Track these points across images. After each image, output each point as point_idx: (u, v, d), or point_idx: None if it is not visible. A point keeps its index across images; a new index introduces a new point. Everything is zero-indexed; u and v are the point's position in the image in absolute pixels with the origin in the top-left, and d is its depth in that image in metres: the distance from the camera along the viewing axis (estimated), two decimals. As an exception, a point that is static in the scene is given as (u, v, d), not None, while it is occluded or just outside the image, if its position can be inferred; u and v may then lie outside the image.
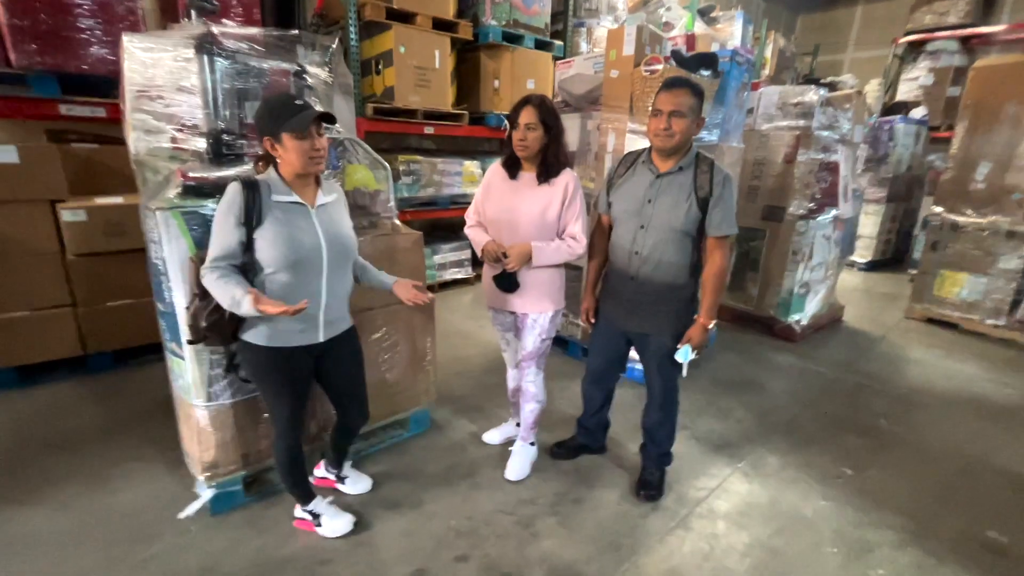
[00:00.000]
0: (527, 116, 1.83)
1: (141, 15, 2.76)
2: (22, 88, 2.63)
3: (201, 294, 1.52)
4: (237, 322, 1.54)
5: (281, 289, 1.48)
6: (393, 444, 2.38)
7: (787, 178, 3.72)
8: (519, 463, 2.19)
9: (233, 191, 1.43)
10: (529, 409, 2.16)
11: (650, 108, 1.76)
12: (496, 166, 2.03)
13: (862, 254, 6.17)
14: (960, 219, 4.14)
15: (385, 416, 2.33)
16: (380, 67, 3.90)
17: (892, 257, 6.47)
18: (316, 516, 1.83)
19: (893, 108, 6.67)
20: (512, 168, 1.97)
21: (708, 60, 2.75)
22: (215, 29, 1.74)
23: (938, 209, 4.26)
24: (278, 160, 1.47)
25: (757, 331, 4.00)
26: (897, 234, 6.43)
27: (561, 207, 1.91)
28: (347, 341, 1.73)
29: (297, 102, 1.43)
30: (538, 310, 2.01)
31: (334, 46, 2.07)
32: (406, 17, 3.87)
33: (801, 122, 3.61)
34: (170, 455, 2.18)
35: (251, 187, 1.43)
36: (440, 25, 4.07)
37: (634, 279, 1.85)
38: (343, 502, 1.97)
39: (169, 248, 1.65)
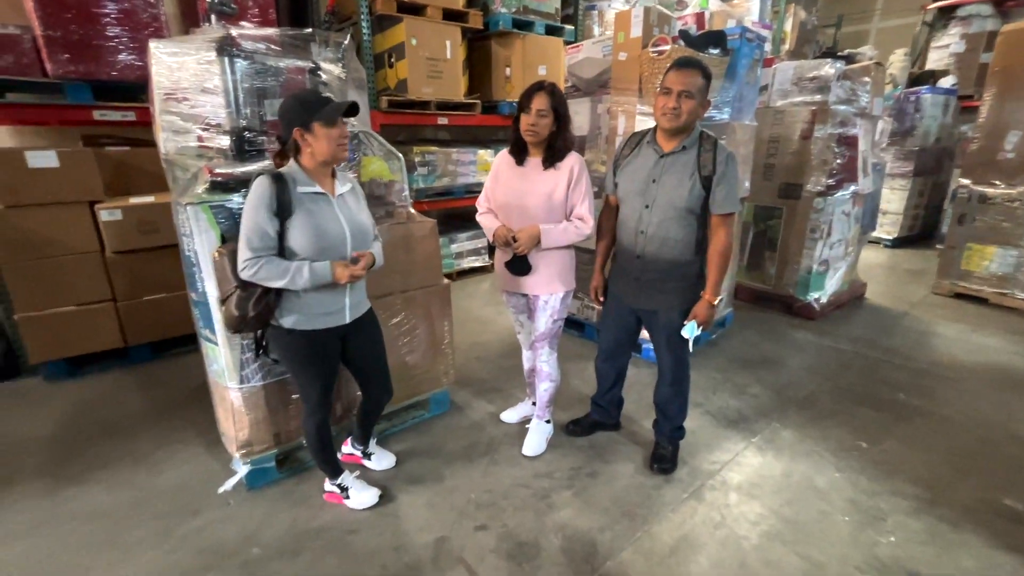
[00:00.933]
0: (539, 102, 1.87)
1: (164, 21, 2.88)
2: (58, 96, 2.80)
3: (242, 285, 1.57)
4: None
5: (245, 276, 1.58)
6: (415, 424, 2.48)
7: (804, 154, 3.67)
8: (535, 440, 2.27)
9: (263, 184, 1.50)
10: (544, 388, 2.23)
11: (659, 87, 1.79)
12: (503, 153, 2.08)
13: (888, 231, 6.02)
14: (989, 190, 4.01)
15: (406, 397, 2.43)
16: (393, 60, 3.98)
17: (920, 233, 6.28)
18: (344, 489, 1.94)
19: (920, 78, 6.43)
20: (519, 154, 2.02)
21: (716, 38, 2.74)
22: (234, 31, 1.84)
23: (965, 181, 4.14)
24: (306, 150, 1.55)
25: (776, 310, 3.98)
26: (926, 209, 6.23)
27: (567, 189, 1.96)
28: (369, 321, 1.85)
29: (324, 95, 1.54)
30: (549, 291, 2.07)
31: (346, 42, 2.15)
32: (416, 9, 3.92)
33: (817, 96, 3.55)
34: (208, 436, 2.33)
35: (279, 179, 1.52)
36: (450, 15, 4.11)
37: (640, 257, 1.90)
38: (369, 477, 2.08)
39: (200, 240, 1.76)
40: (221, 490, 2.03)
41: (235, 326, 1.63)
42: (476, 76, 4.75)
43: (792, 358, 3.21)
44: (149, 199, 2.89)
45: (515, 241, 1.96)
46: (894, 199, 5.87)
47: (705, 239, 1.89)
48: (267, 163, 1.86)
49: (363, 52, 3.90)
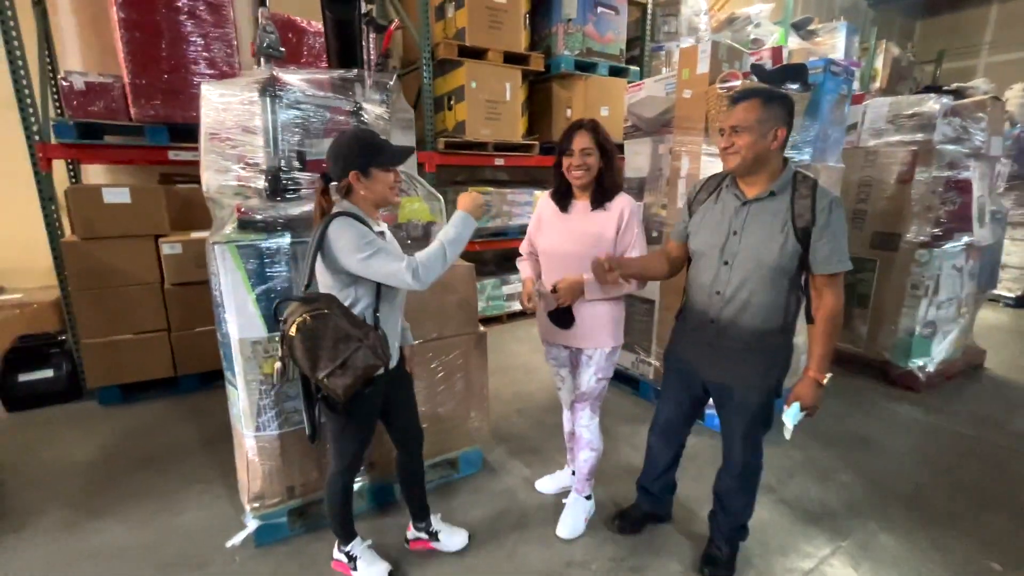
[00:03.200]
0: (582, 141, 1.72)
1: (238, 66, 3.05)
2: (141, 137, 3.00)
3: (341, 364, 1.37)
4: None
5: (372, 317, 1.50)
6: (441, 485, 2.27)
7: (902, 200, 3.21)
8: (572, 519, 1.98)
9: (351, 222, 1.40)
10: (583, 458, 1.95)
11: None
12: (546, 198, 1.93)
13: (1009, 287, 5.18)
14: None
15: (435, 455, 2.23)
16: (452, 103, 4.01)
17: (1051, 291, 5.36)
18: (352, 559, 1.75)
19: (1044, 115, 5.65)
20: (563, 199, 1.85)
21: (796, 72, 2.46)
22: (279, 72, 1.84)
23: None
24: (359, 192, 1.47)
25: (867, 376, 3.43)
26: (1056, 263, 5.33)
27: (616, 233, 1.76)
28: (402, 367, 1.74)
29: (382, 138, 1.51)
30: (594, 345, 1.84)
31: (391, 83, 2.11)
32: (478, 53, 3.95)
33: (919, 136, 3.12)
34: (230, 479, 2.25)
35: (358, 218, 1.44)
36: (511, 59, 4.11)
37: (715, 322, 1.59)
38: (383, 548, 1.87)
39: (225, 280, 1.71)
40: (229, 544, 1.89)
41: (367, 376, 1.42)
42: (536, 117, 4.71)
43: (892, 439, 2.69)
44: (206, 234, 2.98)
45: (554, 292, 1.77)
46: (1016, 251, 5.07)
47: (796, 303, 1.57)
48: (307, 207, 1.81)
49: (423, 95, 3.97)
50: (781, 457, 2.47)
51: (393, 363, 1.60)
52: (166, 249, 2.90)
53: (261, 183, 1.84)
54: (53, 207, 2.86)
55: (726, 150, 1.49)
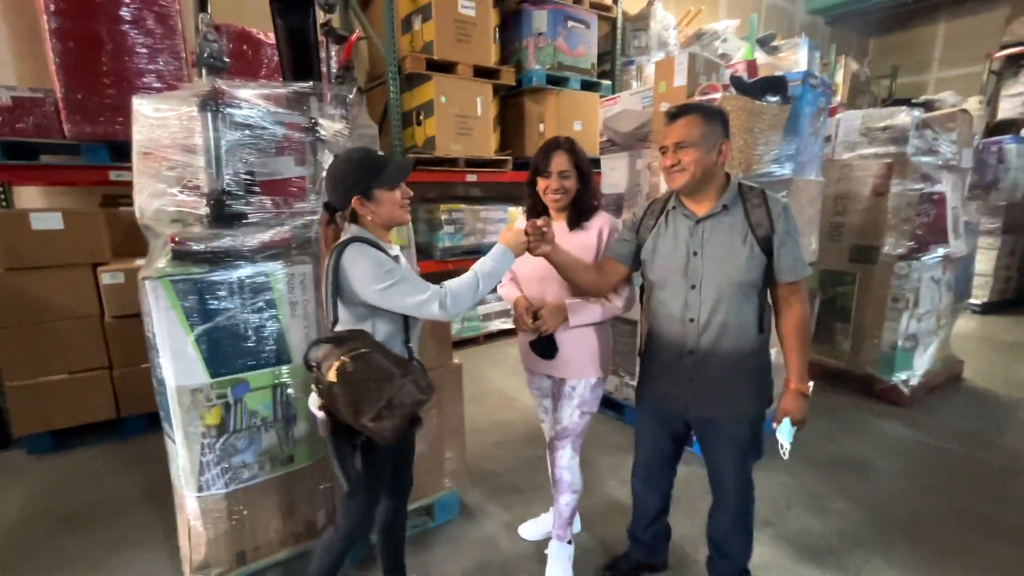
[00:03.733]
0: (559, 163, 1.61)
1: (188, 80, 2.82)
2: (77, 157, 2.73)
3: (387, 404, 1.23)
4: None
5: (403, 348, 1.39)
6: (415, 534, 2.05)
7: (878, 213, 3.19)
8: (560, 570, 1.80)
9: (365, 249, 1.27)
10: (565, 502, 1.78)
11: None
12: (522, 220, 1.79)
13: (977, 295, 5.28)
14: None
15: (410, 501, 2.02)
16: (421, 118, 3.85)
17: (1015, 298, 5.50)
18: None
19: (998, 127, 5.86)
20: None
21: (776, 84, 2.40)
22: (223, 85, 1.64)
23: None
24: (366, 216, 1.34)
25: (852, 391, 3.37)
26: (1019, 270, 5.48)
27: (596, 255, 1.65)
28: None
29: (380, 154, 1.38)
30: (578, 375, 1.70)
31: (351, 96, 1.94)
32: (447, 67, 3.81)
33: (892, 148, 3.11)
34: (172, 542, 1.98)
35: (372, 244, 1.31)
36: (482, 73, 3.99)
37: (694, 352, 1.47)
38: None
39: (159, 320, 1.49)
40: (168, 624, 1.65)
41: (411, 415, 1.29)
42: (508, 132, 4.59)
43: (883, 459, 2.61)
44: (153, 261, 2.73)
45: (536, 319, 1.63)
46: (982, 259, 5.15)
47: (766, 316, 1.47)
48: (262, 235, 1.61)
49: (390, 110, 3.80)
50: (773, 485, 2.35)
51: None
52: (106, 279, 2.63)
53: (203, 208, 1.64)
54: (-27, 235, 2.56)
55: (672, 168, 1.41)
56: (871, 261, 3.24)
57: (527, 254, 1.69)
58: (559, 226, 1.69)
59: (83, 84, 2.58)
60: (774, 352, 1.70)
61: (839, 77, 7.41)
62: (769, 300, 1.49)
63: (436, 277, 1.35)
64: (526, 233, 1.47)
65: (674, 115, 1.43)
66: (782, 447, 1.43)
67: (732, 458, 1.51)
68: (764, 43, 6.26)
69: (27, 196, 3.40)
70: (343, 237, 1.33)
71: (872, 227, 3.23)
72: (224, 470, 1.60)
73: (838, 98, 7.31)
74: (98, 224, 2.64)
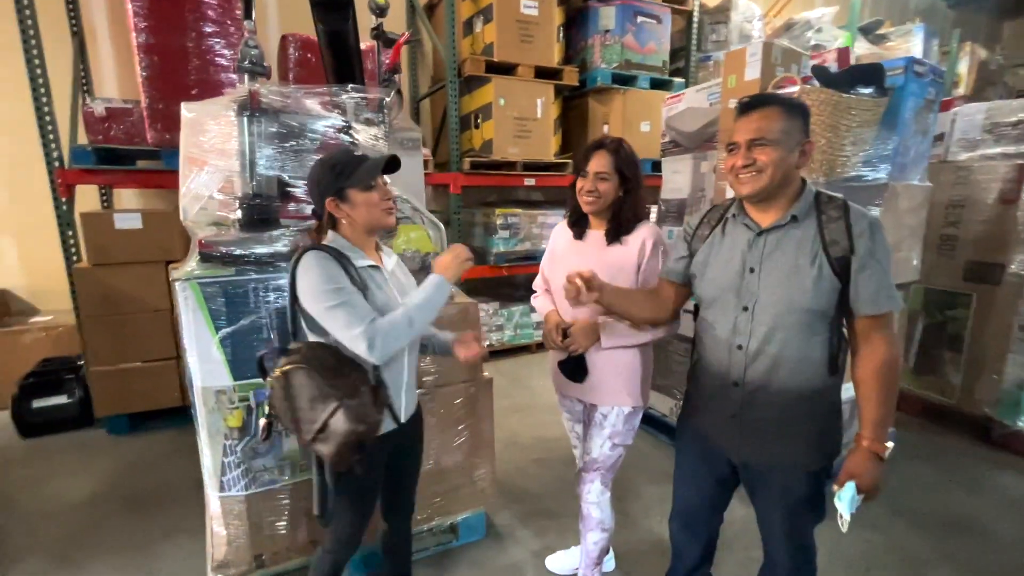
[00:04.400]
0: (599, 163, 1.47)
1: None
2: (157, 162, 2.96)
3: (321, 428, 1.14)
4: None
5: (371, 366, 1.25)
6: (437, 554, 1.97)
7: (1004, 224, 2.68)
8: (584, 615, 1.63)
9: (319, 259, 1.17)
10: (593, 541, 1.61)
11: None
12: (561, 227, 1.66)
13: None
14: None
15: (431, 519, 1.95)
16: (479, 121, 3.80)
17: None
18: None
19: None
20: (578, 226, 1.58)
21: (869, 73, 2.06)
22: (261, 89, 1.66)
23: None
24: (343, 221, 1.27)
25: (963, 435, 2.85)
26: None
27: (636, 271, 1.49)
28: (418, 422, 1.48)
29: (357, 154, 1.28)
30: (610, 402, 1.54)
31: (388, 99, 1.89)
32: (507, 69, 3.74)
33: (1025, 147, 2.60)
34: (209, 533, 2.05)
35: (334, 254, 1.20)
36: (543, 73, 3.87)
37: (740, 385, 1.24)
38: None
39: (187, 321, 1.52)
40: (190, 619, 1.69)
41: (357, 443, 1.15)
42: (571, 134, 4.43)
43: (1000, 521, 2.15)
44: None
45: (566, 337, 1.49)
46: None
47: (842, 353, 1.21)
48: (283, 234, 1.61)
49: (449, 114, 3.79)
50: (854, 541, 2.01)
51: (404, 417, 1.35)
52: (176, 275, 2.81)
53: (237, 212, 1.66)
54: (71, 232, 2.85)
55: (744, 169, 1.17)
56: (993, 281, 2.72)
57: (569, 258, 1.56)
58: (596, 237, 1.54)
59: (166, 94, 2.78)
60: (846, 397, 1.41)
61: (963, 67, 6.47)
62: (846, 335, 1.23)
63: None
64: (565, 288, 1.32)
65: (748, 106, 1.20)
66: (841, 518, 1.14)
67: (783, 517, 1.26)
68: (868, 31, 5.60)
69: (126, 198, 3.78)
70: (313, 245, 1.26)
71: (996, 241, 2.71)
72: (245, 472, 1.61)
73: (960, 90, 6.39)
74: (171, 224, 2.83)
